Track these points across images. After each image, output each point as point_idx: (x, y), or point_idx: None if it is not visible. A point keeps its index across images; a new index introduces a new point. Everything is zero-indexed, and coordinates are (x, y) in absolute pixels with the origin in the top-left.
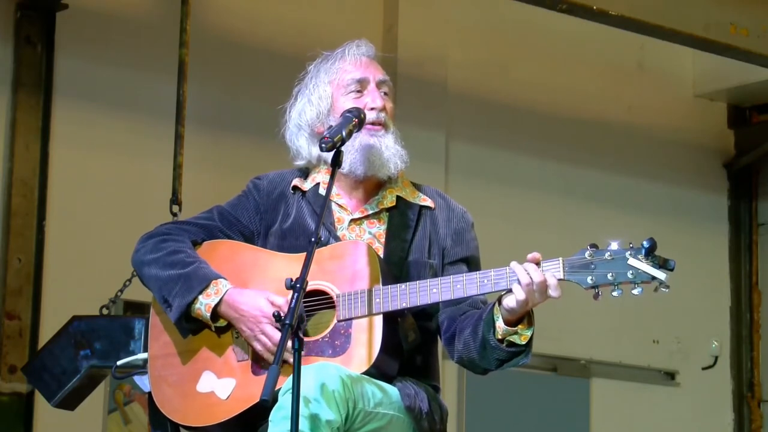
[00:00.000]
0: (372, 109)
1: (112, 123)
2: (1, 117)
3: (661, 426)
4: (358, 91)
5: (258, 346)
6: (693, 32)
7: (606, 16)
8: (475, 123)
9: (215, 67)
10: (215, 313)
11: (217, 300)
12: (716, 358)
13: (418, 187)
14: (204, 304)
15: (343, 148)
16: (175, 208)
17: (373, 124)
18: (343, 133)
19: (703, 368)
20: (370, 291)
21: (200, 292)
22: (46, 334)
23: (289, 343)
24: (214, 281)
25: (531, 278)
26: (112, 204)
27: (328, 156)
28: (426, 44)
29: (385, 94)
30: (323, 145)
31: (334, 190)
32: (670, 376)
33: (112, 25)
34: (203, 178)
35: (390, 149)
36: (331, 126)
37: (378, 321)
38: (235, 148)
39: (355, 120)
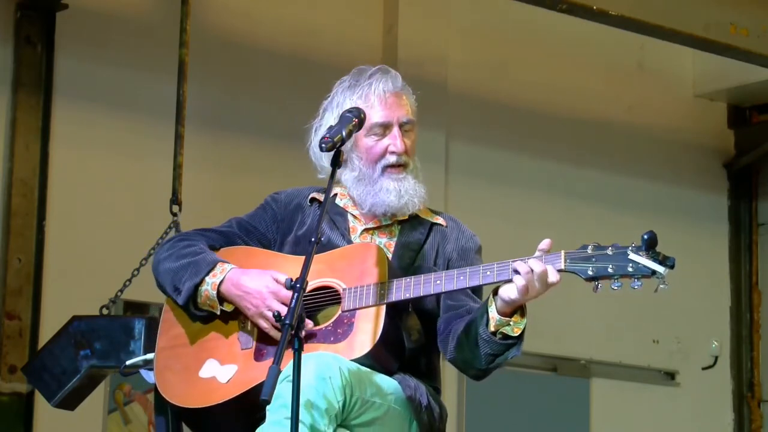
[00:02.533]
0: (392, 152)
1: (112, 123)
2: (1, 117)
3: (661, 426)
4: (381, 135)
5: (263, 323)
6: (693, 32)
7: (606, 16)
8: (475, 123)
9: (215, 67)
10: (219, 294)
11: (221, 278)
12: (716, 358)
13: (433, 211)
14: (210, 284)
15: (363, 190)
16: (175, 208)
17: (392, 167)
18: (343, 133)
19: (703, 368)
20: (375, 284)
21: (207, 274)
22: (46, 334)
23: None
24: (220, 263)
25: (531, 267)
26: (112, 204)
27: (343, 176)
28: (426, 44)
29: (407, 131)
30: (323, 145)
31: (350, 202)
32: (670, 376)
33: (112, 25)
34: (203, 178)
35: (409, 192)
36: (331, 126)
37: (381, 311)
38: (235, 148)
39: (355, 120)
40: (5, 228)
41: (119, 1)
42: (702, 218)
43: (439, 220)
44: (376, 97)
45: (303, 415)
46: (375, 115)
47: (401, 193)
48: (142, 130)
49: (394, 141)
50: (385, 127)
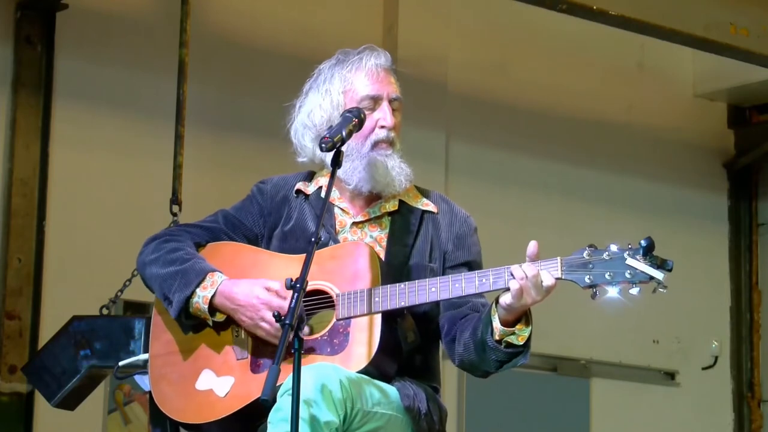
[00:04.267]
0: (382, 127)
1: (112, 123)
2: (1, 117)
3: (661, 426)
4: (371, 108)
5: (261, 333)
6: (693, 32)
7: (606, 16)
8: (475, 123)
9: (215, 67)
10: (212, 306)
11: (212, 291)
12: (716, 358)
13: (421, 191)
14: (201, 297)
15: (350, 166)
16: (175, 208)
17: (381, 142)
18: (343, 133)
19: (703, 368)
20: (369, 290)
21: (197, 285)
22: (46, 334)
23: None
24: (209, 273)
25: (524, 272)
26: (112, 204)
27: (327, 157)
28: (426, 44)
29: (395, 109)
30: (323, 145)
31: (337, 194)
32: (670, 376)
33: (112, 25)
34: (203, 178)
35: (395, 169)
36: (331, 126)
37: (377, 320)
38: (235, 148)
39: (355, 120)
40: (5, 228)
41: (119, 1)
42: (702, 218)
43: (430, 206)
44: (367, 71)
45: (304, 429)
46: (365, 88)
47: (387, 168)
48: (142, 130)
49: (385, 115)
50: (375, 101)
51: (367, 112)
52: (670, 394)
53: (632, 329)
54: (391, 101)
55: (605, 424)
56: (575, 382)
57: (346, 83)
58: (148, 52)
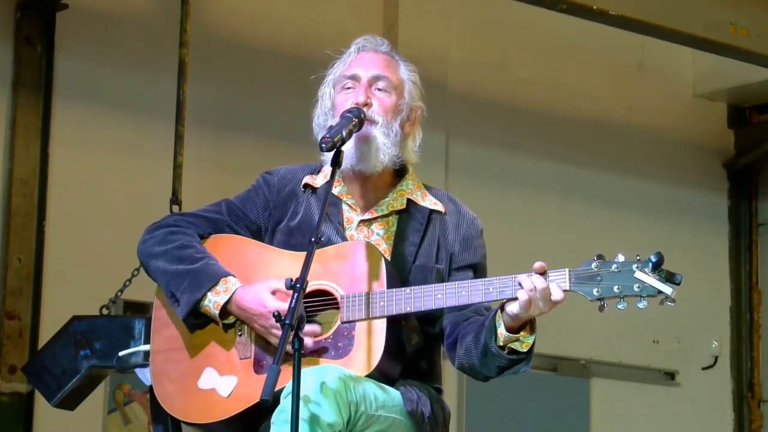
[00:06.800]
0: (355, 104)
1: (112, 123)
2: (1, 117)
3: (661, 426)
4: (350, 88)
5: (274, 341)
6: (693, 32)
7: (606, 16)
8: (475, 123)
9: (215, 67)
10: (224, 311)
11: (226, 298)
12: (716, 358)
13: (429, 189)
14: (213, 302)
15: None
16: (175, 209)
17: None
18: (344, 133)
19: (703, 368)
20: (374, 294)
21: (209, 289)
22: (46, 334)
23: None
24: (223, 279)
25: (534, 284)
26: (112, 204)
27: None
28: (426, 44)
29: (381, 89)
30: (323, 145)
31: (345, 189)
32: (670, 376)
33: (112, 25)
34: (203, 178)
35: (372, 150)
36: (331, 126)
37: (381, 325)
38: (235, 148)
39: (355, 120)
40: (5, 228)
41: (119, 1)
42: (702, 218)
43: (438, 205)
44: (352, 53)
45: (307, 430)
46: (345, 70)
47: (370, 145)
48: (142, 130)
49: (357, 93)
50: (353, 80)
51: (347, 94)
52: (670, 394)
53: (632, 329)
54: (372, 80)
55: (605, 424)
56: (575, 382)
57: (334, 73)
58: (148, 52)
